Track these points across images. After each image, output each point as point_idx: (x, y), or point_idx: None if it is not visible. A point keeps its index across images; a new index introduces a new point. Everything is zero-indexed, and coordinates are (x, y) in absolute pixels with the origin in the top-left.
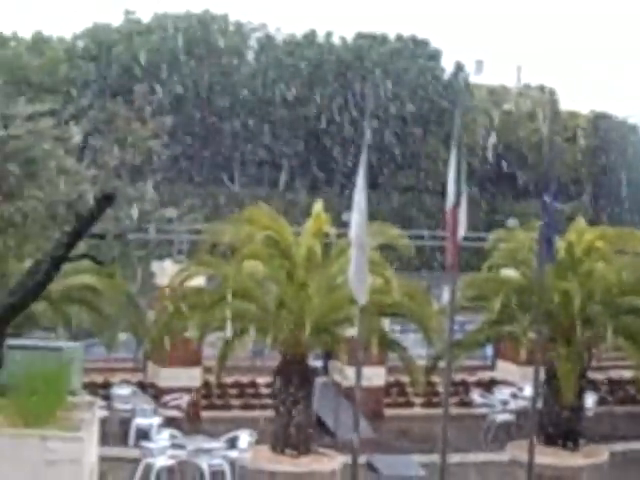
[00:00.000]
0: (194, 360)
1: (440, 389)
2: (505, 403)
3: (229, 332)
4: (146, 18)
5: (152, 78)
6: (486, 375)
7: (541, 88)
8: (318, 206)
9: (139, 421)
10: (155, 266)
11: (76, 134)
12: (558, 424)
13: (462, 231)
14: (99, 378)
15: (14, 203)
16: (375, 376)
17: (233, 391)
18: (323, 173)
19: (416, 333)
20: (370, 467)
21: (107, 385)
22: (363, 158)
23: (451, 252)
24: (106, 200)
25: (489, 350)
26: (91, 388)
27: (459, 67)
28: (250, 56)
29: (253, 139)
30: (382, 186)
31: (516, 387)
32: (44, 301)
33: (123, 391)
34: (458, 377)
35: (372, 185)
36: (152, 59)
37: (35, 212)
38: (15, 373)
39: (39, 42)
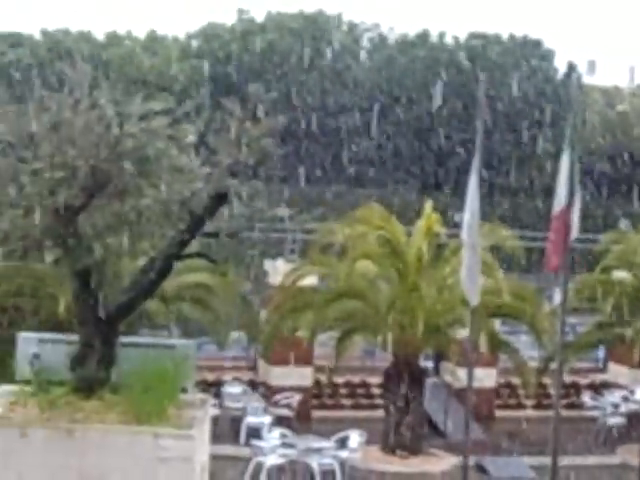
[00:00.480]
0: (305, 359)
1: (551, 391)
2: (616, 406)
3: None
4: (260, 17)
5: (265, 77)
6: (597, 377)
7: None
8: (428, 206)
9: (250, 419)
10: (268, 265)
11: (190, 133)
12: None
13: (575, 233)
14: (211, 376)
15: (128, 201)
16: (486, 377)
17: (344, 391)
18: (435, 174)
19: (527, 335)
20: (480, 469)
21: (219, 383)
22: (476, 159)
23: (561, 253)
24: (219, 198)
25: (601, 352)
26: (203, 386)
27: (571, 67)
28: (363, 56)
29: (365, 139)
30: (493, 187)
31: (627, 390)
32: (157, 299)
33: (234, 389)
34: (569, 379)
35: (483, 186)
36: (265, 58)
37: (149, 210)
38: (128, 371)
39: (153, 41)
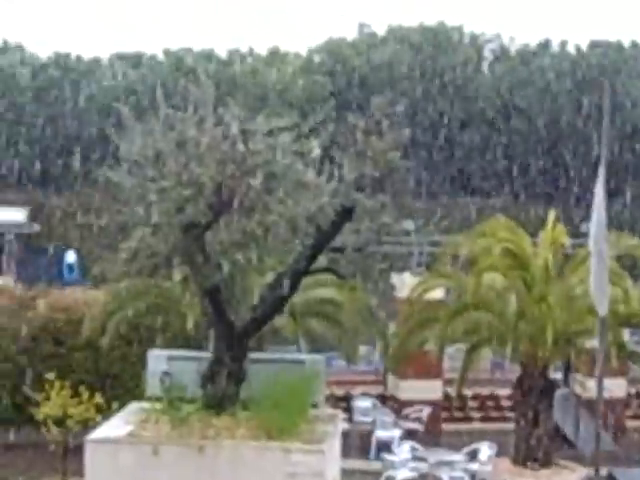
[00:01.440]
0: (434, 372)
1: None
2: None
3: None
4: (381, 31)
5: (388, 91)
6: None
7: None
8: (552, 216)
9: (380, 433)
10: (395, 279)
11: (315, 148)
12: None
13: None
14: (340, 391)
15: (255, 217)
16: (616, 387)
17: (473, 404)
18: (559, 183)
19: None
20: None
21: (348, 398)
22: (601, 167)
23: None
24: (346, 213)
25: None
26: (332, 401)
27: None
28: (485, 67)
29: (489, 150)
30: (618, 196)
31: None
32: (286, 314)
33: (364, 403)
34: None
35: (608, 194)
36: (387, 72)
37: (276, 226)
38: (258, 387)
39: (275, 57)
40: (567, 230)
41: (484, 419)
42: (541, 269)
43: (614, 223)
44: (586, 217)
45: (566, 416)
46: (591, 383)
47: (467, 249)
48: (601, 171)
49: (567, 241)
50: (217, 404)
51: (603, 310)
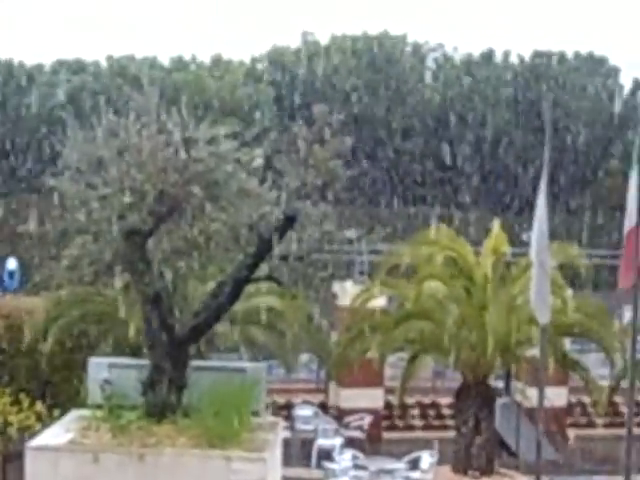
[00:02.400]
0: (376, 381)
1: (623, 409)
2: None
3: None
4: (324, 40)
5: (330, 99)
6: None
7: None
8: (496, 225)
9: (321, 442)
10: (336, 287)
11: (257, 156)
12: None
13: None
14: (282, 399)
15: (197, 225)
16: (557, 396)
17: (415, 412)
18: (501, 193)
19: (597, 353)
20: None
21: (289, 406)
22: (543, 178)
23: (634, 271)
24: (288, 221)
25: None
26: (274, 409)
27: (638, 84)
28: (428, 76)
29: (431, 159)
30: (560, 205)
31: None
32: (228, 322)
33: (305, 412)
34: None
35: (550, 204)
36: (330, 80)
37: (218, 234)
38: (199, 394)
39: (218, 65)
40: (508, 239)
41: (425, 427)
42: (482, 278)
43: (556, 233)
44: (527, 226)
45: (507, 424)
46: (532, 392)
47: (409, 257)
48: (543, 182)
49: (508, 250)
50: (158, 412)
51: (544, 319)
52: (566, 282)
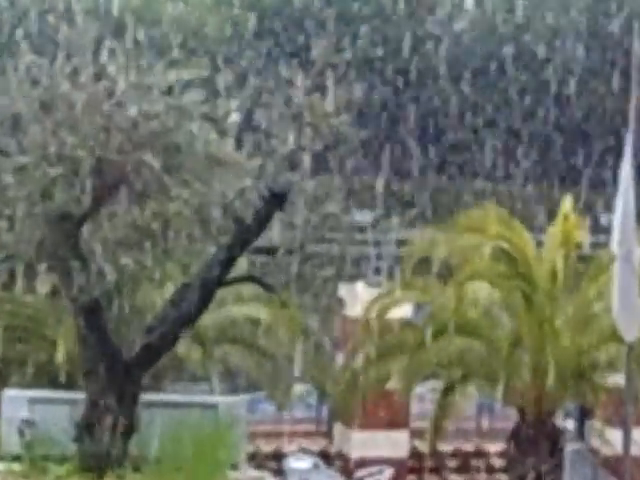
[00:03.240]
0: (399, 420)
1: None
2: None
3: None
4: None
5: (336, 32)
6: None
7: None
8: (567, 204)
9: None
10: (344, 291)
11: (233, 111)
12: None
13: None
14: (268, 446)
15: (150, 206)
16: None
17: (453, 463)
18: (572, 160)
19: None
20: None
21: (279, 455)
22: (629, 139)
23: None
24: (276, 200)
25: None
26: (258, 459)
27: None
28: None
29: (472, 115)
30: None
31: None
32: (194, 341)
33: (301, 464)
34: None
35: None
36: (335, 5)
37: (179, 218)
38: (155, 439)
39: None
40: (586, 224)
41: None
42: (547, 278)
43: None
44: (606, 207)
45: (580, 478)
46: (615, 435)
47: (444, 250)
48: (628, 146)
49: (586, 239)
50: (98, 464)
51: (631, 334)
52: None
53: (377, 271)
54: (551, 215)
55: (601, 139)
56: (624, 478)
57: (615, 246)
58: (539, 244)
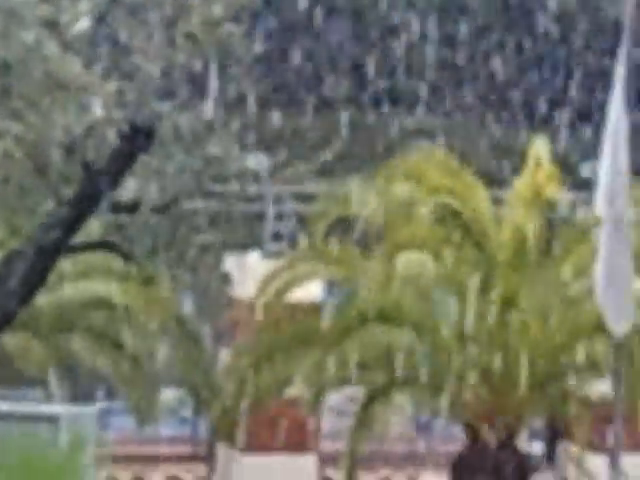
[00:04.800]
0: (304, 441)
1: None
2: None
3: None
4: None
5: None
6: None
7: None
8: (539, 148)
9: None
10: (232, 263)
11: (82, 15)
12: None
13: None
14: (126, 474)
15: None
16: None
17: None
18: (532, 90)
19: None
20: None
21: None
22: (620, 63)
23: None
24: (139, 139)
25: None
26: None
27: None
28: None
29: (404, 32)
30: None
31: None
32: (24, 329)
33: None
34: None
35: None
36: None
37: (7, 162)
38: None
39: None
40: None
41: None
42: (509, 248)
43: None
44: (589, 153)
45: None
46: (597, 462)
47: (369, 208)
48: (619, 74)
49: (563, 196)
50: None
51: (622, 327)
52: None
53: (276, 237)
54: (516, 164)
55: (580, 60)
56: None
57: (600, 206)
58: (499, 203)
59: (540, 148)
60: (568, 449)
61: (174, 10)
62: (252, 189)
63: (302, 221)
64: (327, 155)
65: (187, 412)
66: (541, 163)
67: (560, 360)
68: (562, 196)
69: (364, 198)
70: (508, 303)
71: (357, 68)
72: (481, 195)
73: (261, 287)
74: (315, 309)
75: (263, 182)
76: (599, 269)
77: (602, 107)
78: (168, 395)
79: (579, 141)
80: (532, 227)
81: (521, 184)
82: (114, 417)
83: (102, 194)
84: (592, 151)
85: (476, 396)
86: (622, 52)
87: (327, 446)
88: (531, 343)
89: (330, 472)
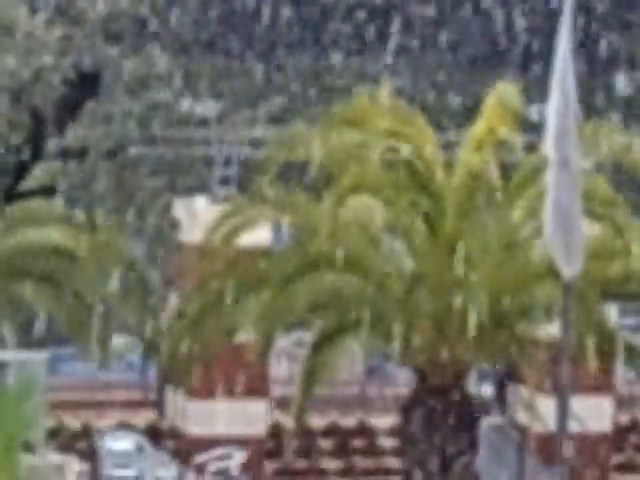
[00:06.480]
0: (254, 386)
1: None
2: None
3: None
4: None
5: None
6: None
7: None
8: (500, 91)
9: None
10: (180, 208)
11: None
12: None
13: None
14: (76, 420)
15: None
16: (594, 413)
17: (326, 443)
18: (483, 40)
19: None
20: None
21: (91, 433)
22: (567, 12)
23: None
24: (86, 84)
25: None
26: (64, 437)
27: None
28: None
29: None
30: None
31: None
32: None
33: (121, 444)
34: None
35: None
36: None
37: None
38: None
39: None
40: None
41: (346, 472)
42: (458, 192)
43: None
44: (538, 95)
45: (501, 465)
46: (547, 405)
47: (317, 150)
48: (565, 17)
49: (515, 138)
50: None
51: (570, 269)
52: (622, 198)
53: (224, 181)
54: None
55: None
56: (558, 462)
57: (549, 149)
58: (449, 146)
59: (500, 90)
60: (518, 392)
61: None
62: (200, 134)
63: (250, 166)
64: (274, 102)
65: (136, 358)
66: (496, 107)
67: (509, 303)
68: (514, 139)
69: (311, 143)
70: (455, 247)
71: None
72: (429, 137)
73: (209, 232)
74: (264, 254)
75: (211, 127)
76: (547, 211)
77: (550, 50)
78: (117, 341)
79: (528, 84)
80: (484, 169)
81: (475, 128)
82: (65, 364)
83: (45, 140)
84: (542, 94)
85: (425, 340)
86: None
87: (277, 391)
88: (479, 286)
89: (280, 417)
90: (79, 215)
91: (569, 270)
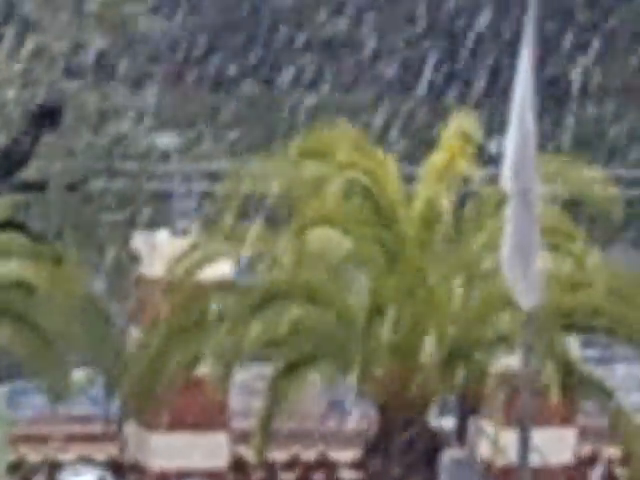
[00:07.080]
0: (214, 419)
1: None
2: None
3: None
4: None
5: None
6: None
7: None
8: (461, 123)
9: None
10: (140, 242)
11: None
12: None
13: None
14: (36, 454)
15: None
16: (558, 445)
17: (288, 476)
18: (452, 75)
19: (632, 363)
20: None
21: (52, 466)
22: (527, 44)
23: None
24: (47, 118)
25: None
26: (23, 472)
27: None
28: None
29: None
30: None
31: None
32: None
33: (82, 479)
34: None
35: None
36: None
37: None
38: None
39: None
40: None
41: None
42: (419, 224)
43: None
44: (497, 128)
45: None
46: (508, 437)
47: (278, 184)
48: (526, 51)
49: (475, 172)
50: None
51: (530, 300)
52: (580, 229)
53: (185, 215)
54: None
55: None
56: None
57: (508, 180)
58: (410, 179)
59: (461, 122)
60: (479, 424)
61: None
62: (161, 167)
63: (211, 199)
64: (235, 134)
65: (98, 391)
66: (457, 139)
67: (470, 335)
68: (473, 171)
69: (269, 176)
70: (418, 279)
71: (266, 45)
72: (390, 170)
73: (170, 266)
74: (226, 287)
75: (172, 160)
76: (506, 243)
77: (509, 82)
78: (78, 375)
79: (487, 117)
80: (443, 202)
81: (434, 159)
82: (26, 397)
83: (10, 173)
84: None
85: (385, 373)
86: (528, 27)
87: (238, 425)
88: (439, 319)
89: (241, 450)
90: (40, 248)
91: (527, 301)
